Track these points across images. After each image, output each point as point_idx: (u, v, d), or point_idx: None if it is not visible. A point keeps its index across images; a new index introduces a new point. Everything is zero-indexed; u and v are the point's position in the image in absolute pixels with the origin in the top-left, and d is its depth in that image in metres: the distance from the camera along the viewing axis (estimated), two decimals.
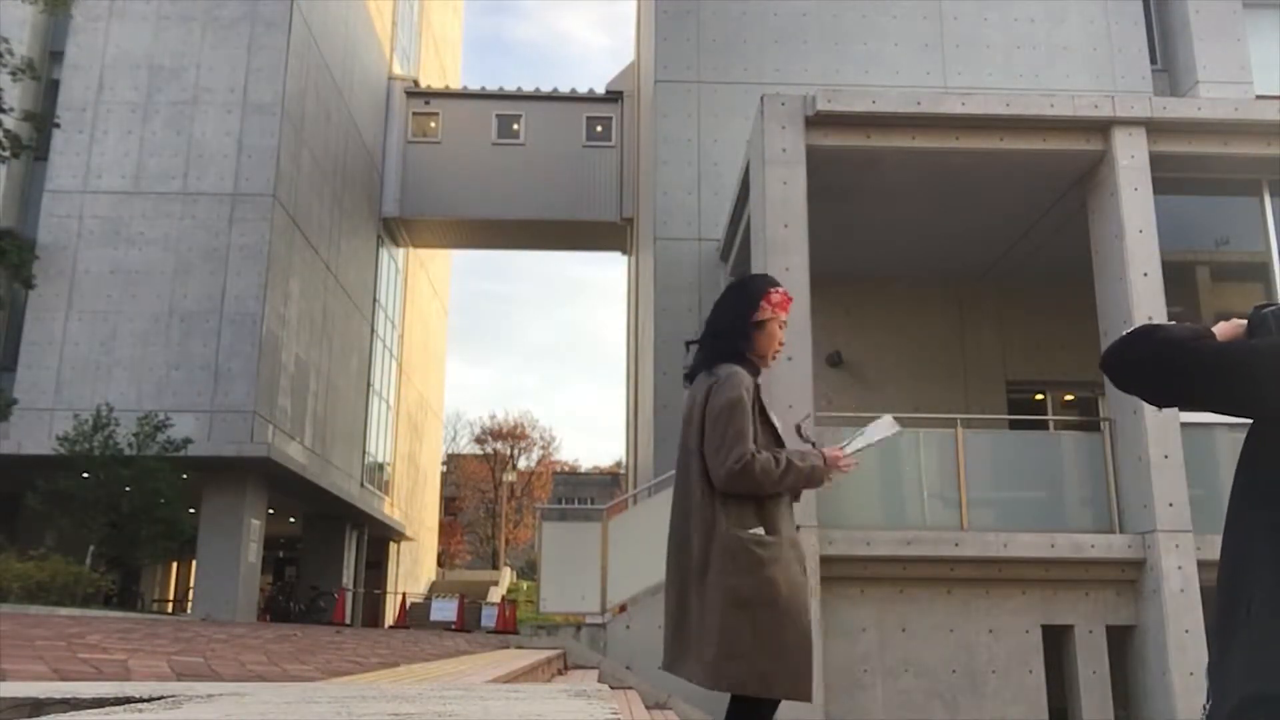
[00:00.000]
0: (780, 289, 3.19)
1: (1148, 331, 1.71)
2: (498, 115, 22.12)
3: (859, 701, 7.60)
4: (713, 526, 2.92)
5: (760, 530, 2.94)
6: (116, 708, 1.91)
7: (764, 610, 2.84)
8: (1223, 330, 1.75)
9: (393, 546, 27.16)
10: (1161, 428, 7.71)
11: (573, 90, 22.42)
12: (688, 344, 3.28)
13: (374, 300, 23.49)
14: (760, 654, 2.80)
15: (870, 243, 10.80)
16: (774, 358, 3.20)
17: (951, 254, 11.17)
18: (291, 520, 22.71)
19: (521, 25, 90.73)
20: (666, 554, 3.10)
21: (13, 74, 13.74)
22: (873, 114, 8.45)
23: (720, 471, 2.90)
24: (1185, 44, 13.84)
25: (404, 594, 24.18)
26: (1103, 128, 8.46)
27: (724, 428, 2.92)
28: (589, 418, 78.84)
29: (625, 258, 22.16)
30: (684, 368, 3.27)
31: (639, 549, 8.51)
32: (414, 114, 22.82)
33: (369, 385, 23.31)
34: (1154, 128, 8.44)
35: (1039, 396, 12.34)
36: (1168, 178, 8.49)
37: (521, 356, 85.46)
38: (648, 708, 5.85)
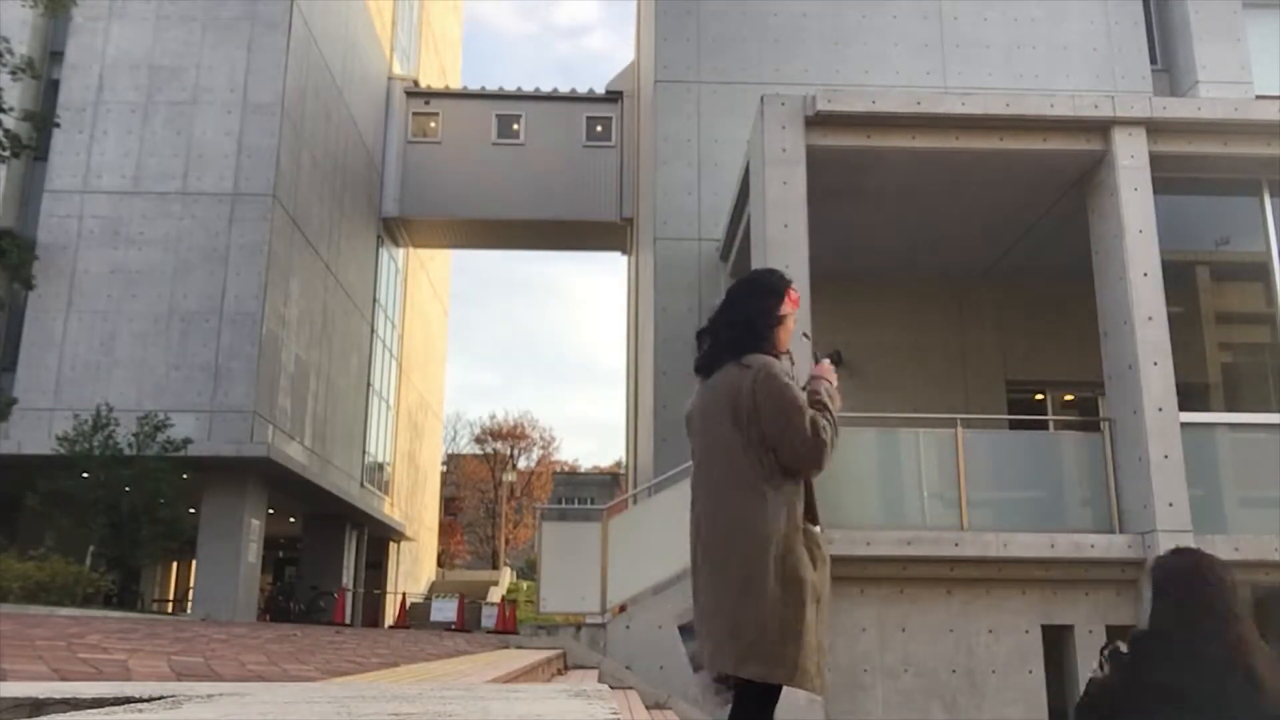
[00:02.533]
0: (795, 288, 3.26)
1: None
2: (498, 115, 22.12)
3: (859, 701, 7.59)
4: (790, 518, 2.90)
5: (815, 527, 3.00)
6: (116, 708, 1.91)
7: (824, 607, 2.93)
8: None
9: (393, 546, 27.16)
10: (1161, 428, 7.71)
11: (573, 90, 22.44)
12: (699, 334, 3.24)
13: (374, 300, 23.49)
14: (815, 649, 2.86)
15: (870, 243, 10.79)
16: (780, 356, 3.19)
17: (951, 254, 11.16)
18: (291, 520, 22.70)
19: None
20: (710, 545, 2.99)
21: (13, 74, 13.74)
22: (873, 114, 8.45)
23: (811, 457, 2.92)
24: (1185, 44, 13.83)
25: (404, 594, 24.19)
26: (1103, 128, 8.46)
27: (794, 414, 2.94)
28: (589, 418, 78.85)
29: (625, 258, 22.16)
30: (696, 359, 3.21)
31: (639, 549, 8.51)
32: (414, 114, 22.81)
33: (369, 385, 23.30)
34: (1154, 128, 8.44)
35: (1039, 396, 12.34)
36: (1168, 178, 8.49)
37: (520, 356, 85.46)
38: (648, 708, 5.85)
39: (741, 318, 3.14)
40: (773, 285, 3.21)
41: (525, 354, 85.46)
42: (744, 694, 2.88)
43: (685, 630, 3.10)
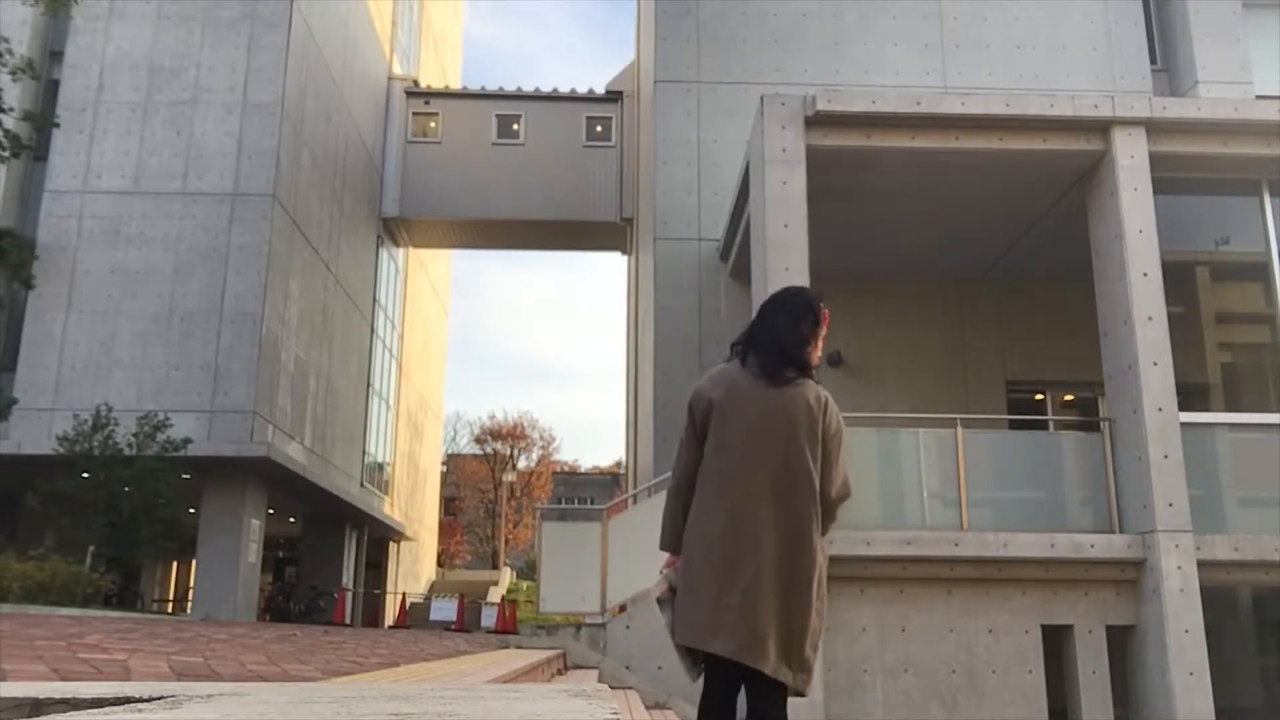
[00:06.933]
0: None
1: None
2: (498, 115, 22.13)
3: (859, 701, 7.60)
4: (818, 535, 3.15)
5: None
6: (116, 708, 1.91)
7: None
8: None
9: (393, 546, 27.16)
10: (1161, 428, 7.71)
11: (573, 90, 22.44)
12: (732, 346, 3.32)
13: (374, 300, 23.49)
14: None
15: (870, 243, 10.79)
16: None
17: (951, 254, 11.17)
18: (291, 520, 22.70)
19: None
20: (775, 549, 3.05)
21: (13, 74, 13.73)
22: (872, 114, 8.45)
23: (842, 492, 3.22)
24: (1185, 44, 13.83)
25: (404, 594, 24.19)
26: (1103, 128, 8.46)
27: (841, 453, 3.23)
28: (588, 418, 78.86)
29: (625, 258, 22.16)
30: (763, 365, 3.20)
31: (639, 549, 8.51)
32: (414, 114, 22.82)
33: (369, 385, 23.30)
34: (1154, 128, 8.44)
35: (1039, 396, 12.34)
36: (1168, 178, 8.49)
37: (521, 356, 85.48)
38: (648, 708, 5.86)
39: (799, 337, 3.22)
40: (818, 312, 3.30)
41: (525, 354, 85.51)
42: (766, 691, 2.97)
43: (662, 602, 3.22)
